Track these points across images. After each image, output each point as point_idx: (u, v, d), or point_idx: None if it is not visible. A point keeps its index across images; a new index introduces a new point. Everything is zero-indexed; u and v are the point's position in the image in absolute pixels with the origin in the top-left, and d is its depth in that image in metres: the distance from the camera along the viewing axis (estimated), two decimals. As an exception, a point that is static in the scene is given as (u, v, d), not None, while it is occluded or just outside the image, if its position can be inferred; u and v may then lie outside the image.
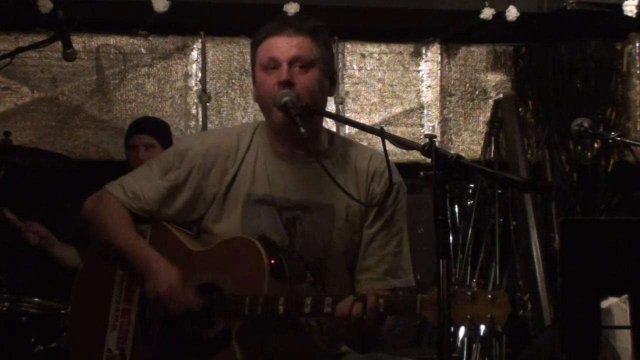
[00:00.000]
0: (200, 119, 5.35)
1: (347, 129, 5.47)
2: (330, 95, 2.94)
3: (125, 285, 2.94)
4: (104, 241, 2.95)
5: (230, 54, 5.41)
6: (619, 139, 4.46)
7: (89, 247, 3.07)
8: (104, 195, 2.98)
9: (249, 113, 5.37)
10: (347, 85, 5.56)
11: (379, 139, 2.57)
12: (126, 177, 2.99)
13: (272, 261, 2.75)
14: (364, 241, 2.89)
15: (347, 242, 2.88)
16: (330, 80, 2.92)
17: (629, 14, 5.16)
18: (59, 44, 4.24)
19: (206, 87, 5.36)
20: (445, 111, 5.70)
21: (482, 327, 5.26)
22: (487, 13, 5.17)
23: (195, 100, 5.37)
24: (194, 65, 5.38)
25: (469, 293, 2.43)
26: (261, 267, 2.74)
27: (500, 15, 5.18)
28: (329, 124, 5.39)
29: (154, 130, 4.63)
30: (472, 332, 5.29)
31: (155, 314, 2.90)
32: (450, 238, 5.25)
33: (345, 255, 2.89)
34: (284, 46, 2.83)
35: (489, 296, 2.45)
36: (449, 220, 2.46)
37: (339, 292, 2.80)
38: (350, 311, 2.61)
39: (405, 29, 5.57)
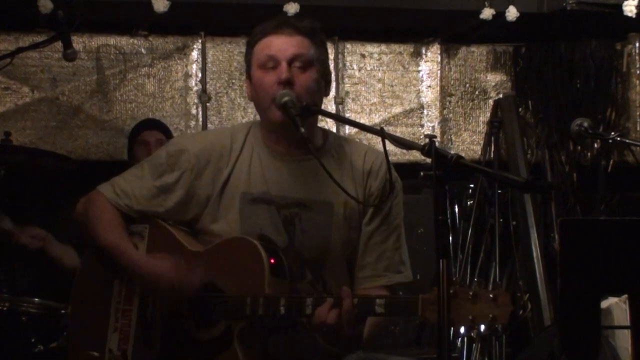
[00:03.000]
0: (200, 119, 5.35)
1: (347, 129, 5.47)
2: (326, 96, 2.94)
3: (125, 286, 2.94)
4: (94, 242, 2.96)
5: (230, 54, 5.41)
6: (618, 139, 4.47)
7: (88, 247, 3.07)
8: (94, 196, 2.97)
9: (249, 113, 5.37)
10: (347, 85, 5.56)
11: (379, 139, 2.57)
12: (117, 177, 2.99)
13: (272, 261, 2.75)
14: (362, 238, 2.90)
15: (345, 239, 2.89)
16: (325, 81, 2.92)
17: (629, 14, 5.16)
18: (59, 44, 4.25)
19: (206, 87, 5.36)
20: (445, 111, 5.70)
21: (482, 327, 5.26)
22: (487, 13, 5.17)
23: (195, 100, 5.37)
24: (194, 65, 5.38)
25: (470, 293, 2.43)
26: (261, 267, 2.73)
27: (500, 15, 5.18)
28: (329, 124, 5.40)
29: (164, 129, 4.69)
30: (472, 331, 5.29)
31: (156, 315, 2.89)
32: (450, 238, 5.26)
33: (343, 252, 2.89)
34: (283, 45, 2.83)
35: (491, 296, 2.45)
36: (449, 220, 2.46)
37: (338, 289, 2.80)
38: (327, 318, 2.61)
39: (405, 29, 5.57)
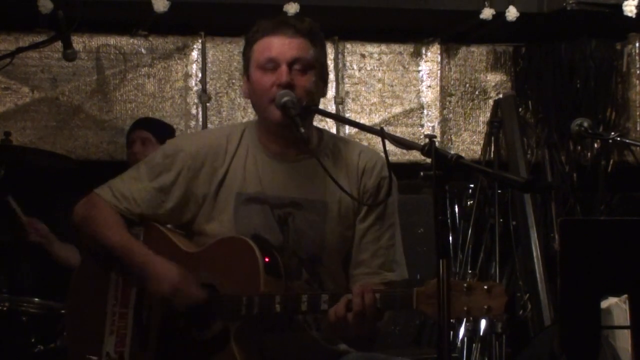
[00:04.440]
0: (200, 119, 5.35)
1: (347, 129, 5.48)
2: (323, 97, 2.94)
3: (120, 289, 2.93)
4: (97, 245, 2.95)
5: (230, 54, 5.42)
6: (619, 139, 4.47)
7: (83, 251, 3.06)
8: (93, 199, 2.96)
9: (249, 113, 5.37)
10: (347, 85, 5.56)
11: (379, 139, 2.57)
12: (115, 180, 2.98)
13: (267, 259, 2.75)
14: (357, 236, 2.89)
15: (340, 237, 2.88)
16: (323, 82, 2.92)
17: (629, 14, 5.16)
18: (59, 44, 4.24)
19: (206, 87, 5.36)
20: (445, 111, 5.70)
21: (482, 326, 5.26)
22: (487, 13, 5.17)
23: (195, 100, 5.37)
24: (194, 65, 5.38)
25: (465, 285, 2.43)
26: (256, 266, 2.73)
27: (500, 15, 5.18)
28: (329, 124, 5.40)
29: (149, 126, 4.67)
30: (472, 331, 5.29)
31: (152, 317, 2.89)
32: (450, 238, 5.26)
33: (339, 250, 2.89)
34: (283, 47, 2.83)
35: (485, 287, 2.46)
36: (449, 220, 2.46)
37: (335, 288, 2.81)
38: (346, 312, 2.60)
39: (405, 29, 5.57)
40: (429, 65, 5.66)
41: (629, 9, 5.16)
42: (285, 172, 2.88)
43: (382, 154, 2.75)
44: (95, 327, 2.93)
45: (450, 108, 5.72)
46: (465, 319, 4.96)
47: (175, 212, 2.93)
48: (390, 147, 2.58)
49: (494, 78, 5.77)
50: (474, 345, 5.31)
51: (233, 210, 2.86)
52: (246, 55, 2.92)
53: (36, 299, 4.08)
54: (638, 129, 5.69)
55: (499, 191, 5.46)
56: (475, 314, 2.46)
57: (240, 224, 2.85)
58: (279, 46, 2.83)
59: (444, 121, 5.70)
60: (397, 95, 5.63)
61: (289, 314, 2.75)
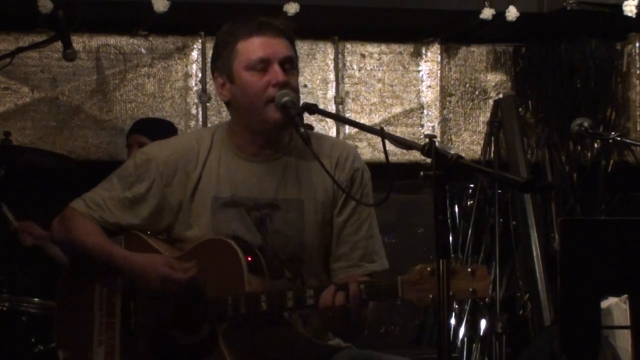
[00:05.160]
0: (200, 119, 5.35)
1: (347, 129, 5.47)
2: None
3: (105, 299, 2.93)
4: (79, 254, 2.96)
5: (230, 54, 5.41)
6: (619, 139, 4.47)
7: (68, 262, 3.07)
8: (67, 212, 2.98)
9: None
10: (347, 85, 5.56)
11: (379, 139, 2.57)
12: (88, 193, 2.98)
13: (249, 258, 2.75)
14: (335, 230, 2.89)
15: (319, 234, 2.88)
16: None
17: (629, 14, 5.16)
18: (59, 44, 4.25)
19: (206, 87, 5.36)
20: (445, 111, 5.70)
21: (482, 326, 5.26)
22: (487, 13, 5.17)
23: (195, 100, 5.37)
24: (194, 65, 5.38)
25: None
26: (239, 266, 2.74)
27: (500, 15, 5.18)
28: (329, 124, 5.40)
29: (148, 131, 4.62)
30: (472, 331, 5.29)
31: (140, 325, 2.90)
32: (450, 238, 5.26)
33: (319, 247, 2.89)
34: (273, 47, 2.82)
35: (469, 270, 2.47)
36: (449, 220, 2.47)
37: (317, 285, 2.81)
38: (333, 302, 2.61)
39: (405, 29, 5.57)
40: (429, 65, 5.66)
41: (629, 9, 5.16)
42: (258, 173, 2.88)
43: (355, 147, 2.74)
44: (83, 339, 2.93)
45: (450, 108, 5.72)
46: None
47: (151, 220, 2.93)
48: (390, 147, 2.58)
49: (494, 78, 5.77)
50: (474, 345, 5.31)
51: (210, 216, 2.86)
52: (225, 56, 2.87)
53: (36, 299, 4.08)
54: (638, 129, 5.69)
55: (499, 191, 5.46)
56: (461, 297, 2.47)
57: (218, 229, 2.84)
58: (269, 46, 2.82)
59: (444, 121, 5.69)
60: (397, 95, 5.63)
61: (275, 312, 2.75)
